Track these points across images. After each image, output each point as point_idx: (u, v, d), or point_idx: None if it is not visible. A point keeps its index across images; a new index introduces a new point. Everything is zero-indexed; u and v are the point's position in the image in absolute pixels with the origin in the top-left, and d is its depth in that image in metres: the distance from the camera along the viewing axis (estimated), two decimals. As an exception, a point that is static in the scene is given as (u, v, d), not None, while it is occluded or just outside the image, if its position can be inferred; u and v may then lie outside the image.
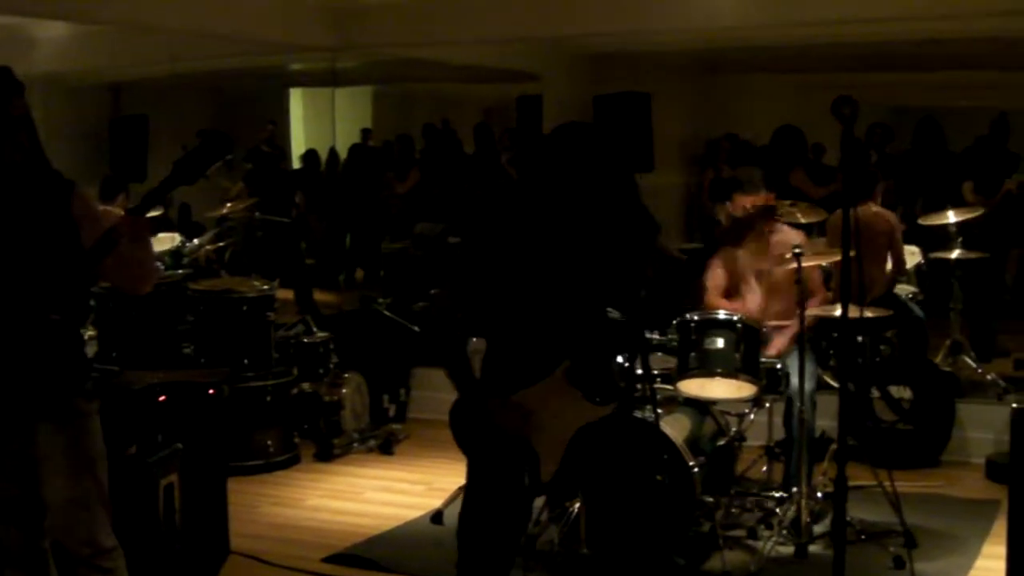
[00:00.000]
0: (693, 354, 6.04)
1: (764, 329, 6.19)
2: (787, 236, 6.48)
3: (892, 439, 7.42)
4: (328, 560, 5.92)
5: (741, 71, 13.35)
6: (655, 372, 6.11)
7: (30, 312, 3.61)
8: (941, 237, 8.73)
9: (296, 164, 14.21)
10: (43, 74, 10.16)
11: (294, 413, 7.99)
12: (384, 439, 8.20)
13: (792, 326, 6.26)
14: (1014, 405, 5.12)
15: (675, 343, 6.17)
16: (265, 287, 7.90)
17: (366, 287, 12.75)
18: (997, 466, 7.24)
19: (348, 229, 13.99)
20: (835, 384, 7.18)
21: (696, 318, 6.07)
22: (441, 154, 13.91)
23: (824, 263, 6.76)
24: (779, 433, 6.43)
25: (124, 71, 12.49)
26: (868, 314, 5.97)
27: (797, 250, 6.00)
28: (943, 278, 9.04)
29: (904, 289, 8.56)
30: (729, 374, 6.02)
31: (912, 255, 8.78)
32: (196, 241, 9.89)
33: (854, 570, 4.74)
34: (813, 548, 5.82)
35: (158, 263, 8.88)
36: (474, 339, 4.20)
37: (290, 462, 7.79)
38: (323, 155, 14.24)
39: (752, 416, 6.37)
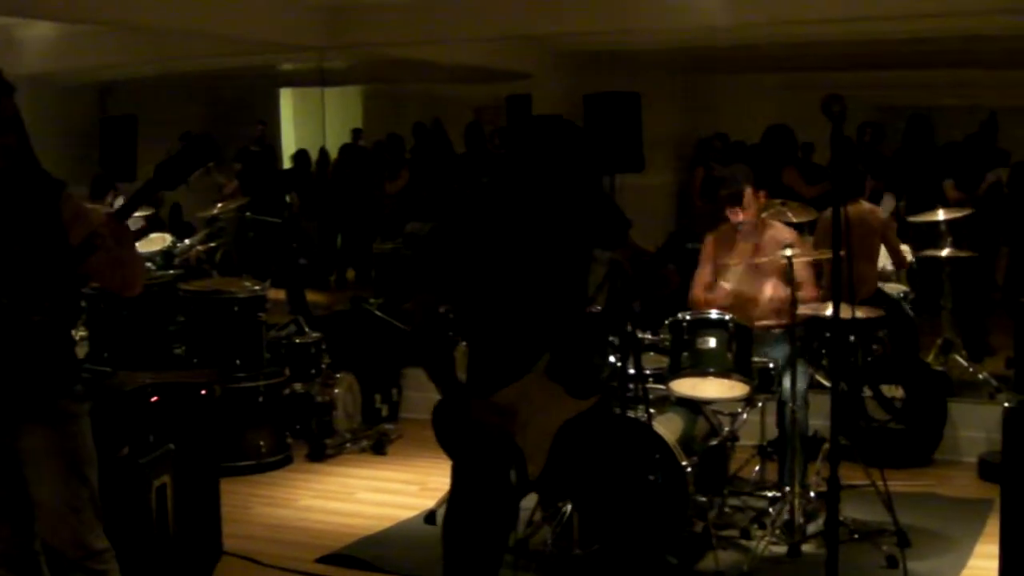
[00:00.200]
0: (685, 354, 6.04)
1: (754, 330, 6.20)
2: (779, 233, 6.49)
3: (884, 438, 7.43)
4: (321, 560, 5.91)
5: (730, 70, 13.34)
6: (647, 372, 6.11)
7: (13, 313, 3.59)
8: (931, 235, 8.73)
9: (287, 164, 14.20)
10: (32, 74, 10.14)
11: (286, 413, 7.98)
12: (376, 439, 8.19)
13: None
14: (1006, 404, 5.14)
15: (667, 343, 6.17)
16: (256, 287, 7.89)
17: (357, 287, 12.73)
18: (989, 465, 7.26)
19: (339, 229, 13.97)
20: (827, 383, 7.19)
21: (688, 318, 6.07)
22: (431, 154, 13.90)
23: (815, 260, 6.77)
24: (771, 433, 6.44)
25: (113, 71, 12.46)
26: (859, 314, 5.96)
27: (788, 248, 6.01)
28: (933, 276, 9.05)
29: (895, 288, 8.57)
30: (721, 374, 6.03)
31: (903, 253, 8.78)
32: (187, 241, 9.86)
33: (847, 569, 4.74)
34: (806, 547, 5.83)
35: (148, 263, 8.86)
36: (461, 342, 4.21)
37: (282, 463, 7.77)
38: (313, 155, 14.24)
39: (745, 416, 6.37)
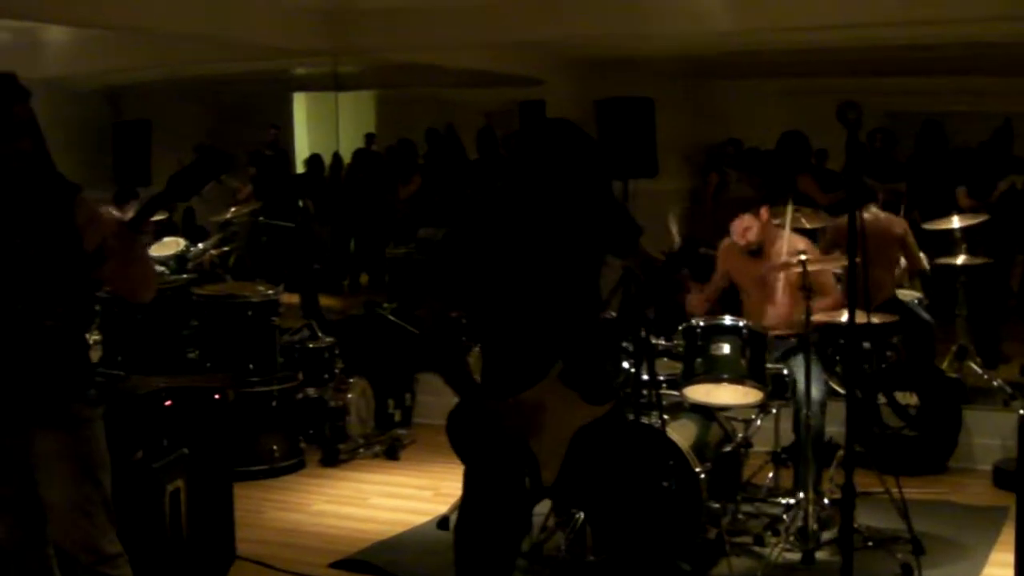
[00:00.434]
0: (699, 360, 6.03)
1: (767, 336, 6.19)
2: (792, 242, 6.47)
3: (898, 445, 7.40)
4: (334, 565, 5.91)
5: (740, 76, 13.36)
6: (661, 378, 6.10)
7: (27, 318, 3.60)
8: (946, 243, 8.72)
9: (300, 169, 14.21)
10: (45, 78, 10.17)
11: (299, 418, 7.99)
12: (389, 444, 8.19)
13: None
14: (1021, 411, 5.11)
15: (681, 348, 6.16)
16: (270, 292, 7.90)
17: (370, 292, 12.74)
18: (1004, 473, 7.23)
19: (352, 234, 13.98)
20: (841, 390, 7.17)
21: (702, 324, 6.06)
22: (444, 159, 13.91)
23: (833, 267, 6.76)
24: (785, 439, 6.42)
25: (126, 75, 12.49)
26: (875, 320, 5.95)
27: (802, 256, 5.99)
28: (948, 284, 9.02)
29: (909, 294, 8.55)
30: (735, 380, 6.02)
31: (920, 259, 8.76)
32: (200, 246, 9.88)
33: (862, 577, 4.73)
34: (820, 555, 5.80)
35: (162, 268, 8.88)
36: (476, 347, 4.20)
37: (295, 467, 7.77)
38: (327, 160, 14.25)
39: (758, 422, 6.36)
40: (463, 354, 3.98)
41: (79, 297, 3.79)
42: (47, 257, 3.61)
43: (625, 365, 5.87)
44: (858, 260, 4.29)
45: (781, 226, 6.58)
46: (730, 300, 6.89)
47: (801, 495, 6.00)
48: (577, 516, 5.64)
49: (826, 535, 5.92)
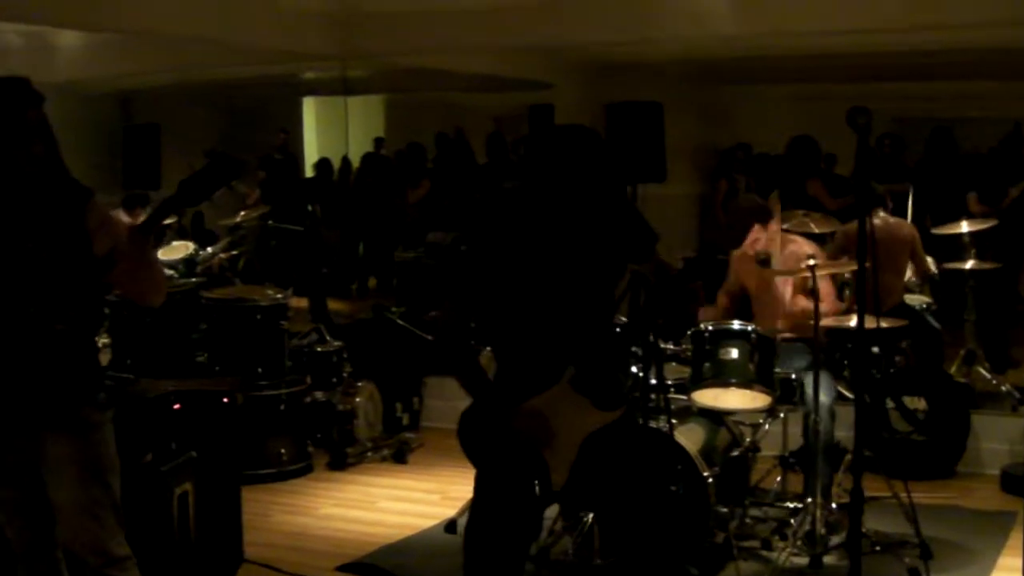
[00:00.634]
0: (707, 364, 6.04)
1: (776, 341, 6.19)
2: (800, 247, 6.47)
3: (907, 450, 7.39)
4: (341, 569, 5.91)
5: (749, 81, 13.35)
6: (669, 382, 6.10)
7: (36, 321, 3.61)
8: (955, 247, 8.70)
9: (309, 173, 14.23)
10: (55, 83, 10.20)
11: (307, 422, 7.99)
12: (397, 448, 8.19)
13: None
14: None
15: (689, 353, 6.16)
16: (278, 296, 7.91)
17: (379, 296, 12.75)
18: (1012, 478, 7.23)
19: (361, 238, 13.99)
20: (850, 395, 7.16)
21: (710, 328, 6.06)
22: (453, 163, 13.91)
23: (840, 273, 6.75)
24: (793, 443, 6.42)
25: (135, 80, 12.52)
26: (884, 324, 5.94)
27: (811, 261, 5.99)
28: (957, 288, 9.01)
29: (918, 299, 8.54)
30: (743, 384, 6.02)
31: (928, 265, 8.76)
32: (209, 249, 9.90)
33: (869, 581, 4.73)
34: (828, 559, 5.79)
35: (171, 271, 8.89)
36: (487, 349, 4.19)
37: (303, 471, 7.78)
38: (336, 164, 14.26)
39: (766, 426, 6.37)
40: (476, 357, 3.98)
41: (89, 301, 3.80)
42: (58, 261, 3.62)
43: (633, 369, 5.87)
44: (868, 265, 4.27)
45: (790, 231, 6.58)
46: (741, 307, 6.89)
47: (809, 499, 5.99)
48: (585, 520, 5.65)
49: (834, 539, 5.92)
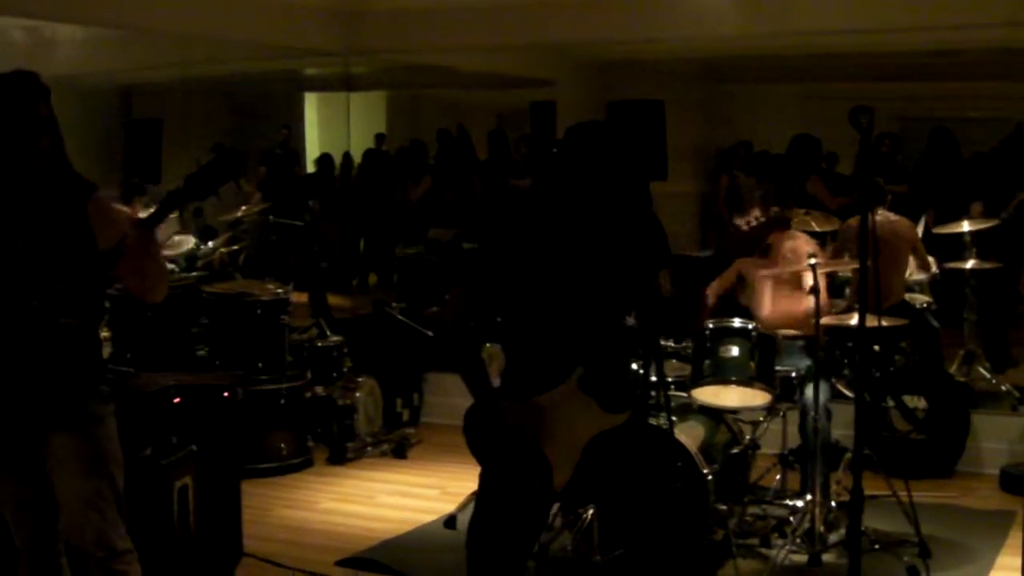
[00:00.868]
0: (708, 362, 6.05)
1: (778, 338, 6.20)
2: (800, 245, 6.48)
3: (906, 449, 7.40)
4: (341, 563, 5.92)
5: (750, 80, 13.35)
6: (669, 379, 6.10)
7: (40, 315, 3.61)
8: (956, 247, 8.71)
9: (310, 168, 14.21)
10: (56, 76, 10.19)
11: (307, 416, 8.00)
12: (397, 443, 8.20)
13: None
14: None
15: (689, 350, 6.17)
16: (279, 290, 7.91)
17: (379, 291, 12.76)
18: (1011, 477, 7.24)
19: (362, 233, 13.99)
20: (850, 394, 7.17)
21: (711, 326, 6.07)
22: (455, 160, 13.92)
23: (840, 270, 6.76)
24: (793, 441, 6.43)
25: (137, 74, 12.51)
26: (884, 323, 5.94)
27: (812, 259, 5.99)
28: (957, 288, 9.02)
29: (918, 299, 8.55)
30: (743, 382, 6.03)
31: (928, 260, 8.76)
32: (210, 244, 9.90)
33: (868, 579, 4.73)
34: (827, 557, 5.80)
35: (172, 265, 8.90)
36: (488, 344, 4.18)
37: (303, 465, 7.79)
38: (338, 160, 14.25)
39: (766, 424, 6.37)
40: (479, 352, 3.96)
41: (93, 294, 3.81)
42: (62, 255, 3.62)
43: (633, 366, 5.87)
44: (869, 264, 4.28)
45: (798, 225, 6.58)
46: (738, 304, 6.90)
47: (808, 497, 6.00)
48: (584, 516, 5.65)
49: (833, 537, 5.93)
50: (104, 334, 7.90)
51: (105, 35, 10.77)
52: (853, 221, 7.39)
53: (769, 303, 6.61)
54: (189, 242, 9.84)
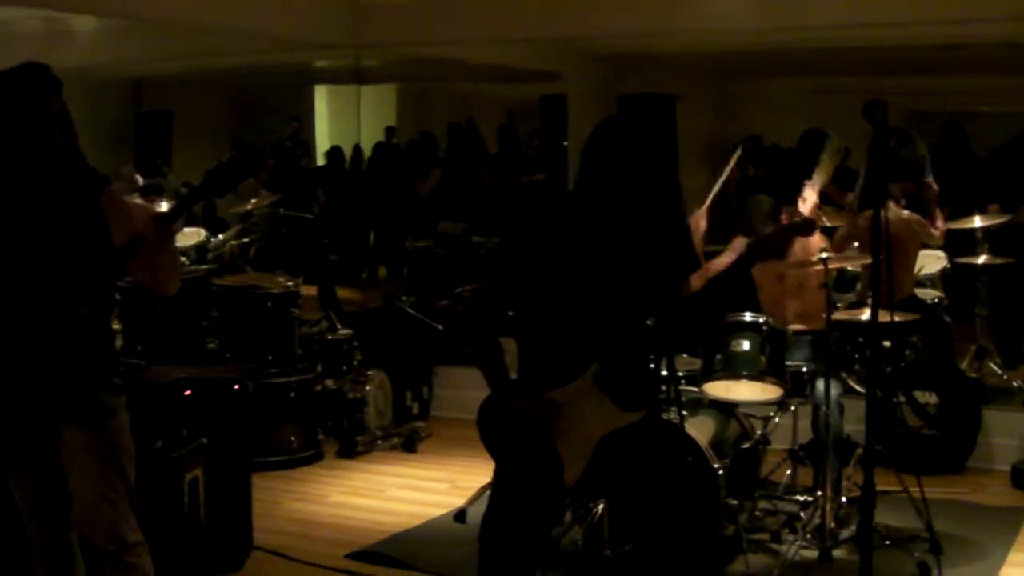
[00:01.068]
0: (719, 356, 6.03)
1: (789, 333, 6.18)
2: (814, 240, 6.46)
3: (917, 444, 7.38)
4: (351, 557, 5.91)
5: (760, 74, 13.33)
6: (680, 374, 6.09)
7: (57, 308, 3.61)
8: (967, 242, 8.69)
9: (320, 161, 14.22)
10: (71, 67, 10.19)
11: (317, 410, 8.00)
12: (407, 437, 8.20)
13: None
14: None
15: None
16: (290, 283, 7.91)
17: (389, 285, 12.76)
18: (1023, 473, 7.21)
19: (372, 226, 14.00)
20: (860, 389, 7.15)
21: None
22: (464, 153, 13.91)
23: (850, 266, 6.74)
24: (804, 436, 6.41)
25: (148, 66, 12.52)
26: (897, 318, 5.93)
27: (824, 254, 5.97)
28: (969, 283, 8.99)
29: (928, 294, 8.53)
30: (754, 376, 6.02)
31: (938, 260, 8.73)
32: (221, 236, 9.90)
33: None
34: (837, 553, 5.79)
35: (183, 258, 8.90)
36: (502, 339, 4.17)
37: (313, 459, 7.79)
38: (347, 152, 14.26)
39: (777, 419, 6.35)
40: (499, 343, 3.94)
41: (106, 287, 3.81)
42: (75, 247, 3.63)
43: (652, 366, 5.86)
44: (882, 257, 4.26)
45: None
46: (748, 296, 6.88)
47: (819, 493, 5.99)
48: (594, 510, 5.64)
49: (843, 533, 5.91)
50: (115, 326, 7.90)
51: (116, 27, 10.77)
52: (862, 219, 7.38)
53: (792, 303, 6.57)
54: (199, 234, 9.83)
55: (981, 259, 8.49)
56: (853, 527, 5.91)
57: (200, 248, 9.53)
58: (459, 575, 5.56)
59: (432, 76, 14.29)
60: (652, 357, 5.17)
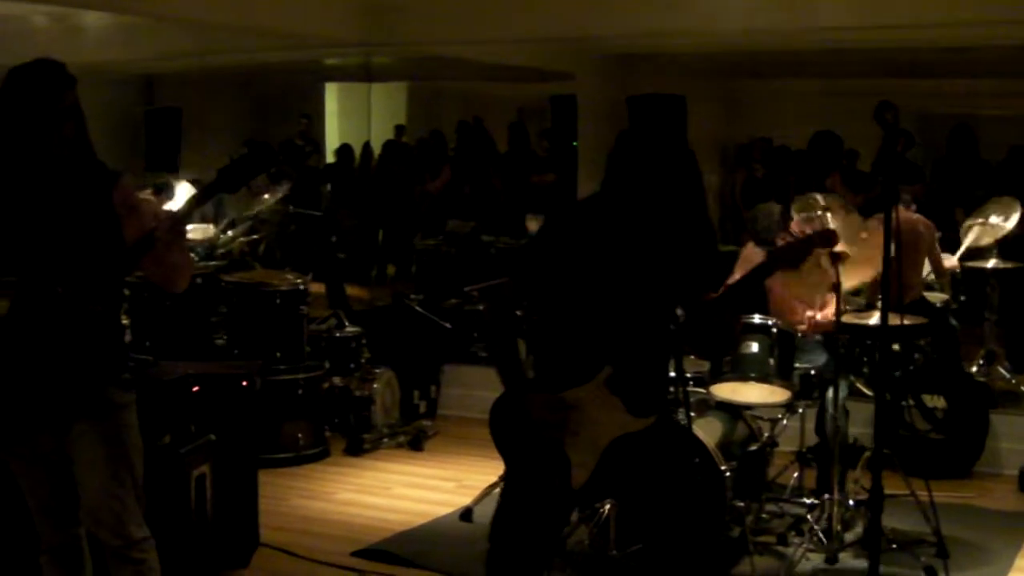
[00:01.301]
0: (727, 358, 6.02)
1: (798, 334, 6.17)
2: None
3: (925, 448, 7.36)
4: (357, 554, 5.91)
5: (771, 75, 13.33)
6: (688, 375, 6.08)
7: (68, 303, 3.62)
8: (976, 246, 8.68)
9: (330, 159, 14.23)
10: (82, 64, 10.20)
11: (325, 407, 8.00)
12: (414, 435, 8.20)
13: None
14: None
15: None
16: (298, 281, 7.91)
17: (397, 283, 12.77)
18: (1030, 478, 7.21)
19: (380, 225, 14.01)
20: (869, 392, 7.14)
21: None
22: (474, 152, 13.94)
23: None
24: (811, 439, 6.41)
25: (158, 63, 12.54)
26: (906, 321, 5.92)
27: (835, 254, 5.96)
28: (978, 287, 8.98)
29: (935, 297, 8.52)
30: (762, 379, 6.01)
31: (947, 263, 8.72)
32: (230, 233, 9.91)
33: (886, 579, 4.71)
34: (844, 556, 5.78)
35: (191, 254, 8.90)
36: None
37: (320, 456, 7.79)
38: (357, 150, 14.27)
39: (784, 421, 6.34)
40: (516, 341, 3.93)
41: (117, 282, 3.82)
42: (86, 242, 3.63)
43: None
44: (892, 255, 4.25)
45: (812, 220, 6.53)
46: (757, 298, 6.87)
47: (826, 496, 5.98)
48: (601, 511, 5.64)
49: (850, 536, 5.91)
50: (123, 322, 7.91)
51: (127, 23, 10.79)
52: (873, 220, 7.37)
53: (802, 306, 6.55)
54: (208, 231, 9.84)
55: (990, 263, 8.47)
56: (859, 530, 5.91)
57: (209, 244, 9.54)
58: (465, 574, 5.56)
59: (443, 75, 14.30)
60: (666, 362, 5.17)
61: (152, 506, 3.99)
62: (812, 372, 6.13)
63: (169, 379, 5.45)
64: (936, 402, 7.47)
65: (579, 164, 11.72)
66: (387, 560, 5.87)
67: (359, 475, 7.51)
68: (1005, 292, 8.97)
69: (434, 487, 7.23)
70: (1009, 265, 8.49)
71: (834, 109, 12.52)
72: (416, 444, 8.12)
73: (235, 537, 5.62)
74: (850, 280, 6.09)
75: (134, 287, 7.73)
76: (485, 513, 6.09)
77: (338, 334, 8.40)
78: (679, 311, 3.85)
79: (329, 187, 13.77)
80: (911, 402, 7.46)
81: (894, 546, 5.73)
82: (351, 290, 11.80)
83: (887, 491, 4.93)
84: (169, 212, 3.81)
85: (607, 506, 5.53)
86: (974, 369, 8.59)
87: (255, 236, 10.27)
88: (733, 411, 6.19)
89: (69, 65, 3.76)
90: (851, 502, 6.06)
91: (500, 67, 12.31)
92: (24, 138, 3.65)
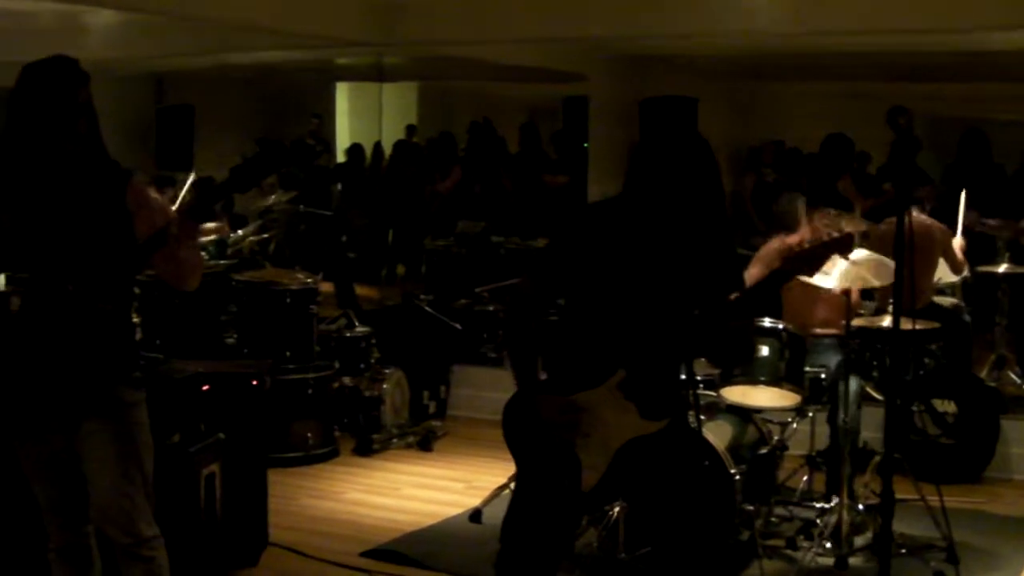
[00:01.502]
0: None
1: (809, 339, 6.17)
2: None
3: (935, 453, 7.34)
4: (366, 555, 5.91)
5: (784, 78, 13.31)
6: (698, 378, 6.07)
7: (79, 301, 3.62)
8: (988, 251, 8.65)
9: (340, 158, 14.24)
10: (92, 61, 10.20)
11: (334, 407, 8.00)
12: (423, 435, 8.19)
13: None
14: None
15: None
16: (309, 280, 7.92)
17: (408, 283, 12.78)
18: (1040, 484, 7.19)
19: (391, 225, 14.02)
20: (878, 396, 7.13)
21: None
22: (484, 152, 13.93)
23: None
24: (821, 443, 6.39)
25: (170, 62, 12.54)
26: (919, 326, 5.90)
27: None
28: (989, 292, 8.96)
29: (947, 301, 8.50)
30: (773, 382, 6.00)
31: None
32: (240, 232, 9.91)
33: (896, 584, 4.70)
34: (853, 560, 5.77)
35: (202, 253, 8.91)
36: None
37: (329, 455, 7.79)
38: (368, 150, 14.27)
39: (795, 425, 6.34)
40: (533, 342, 3.91)
41: (128, 280, 3.83)
42: (98, 240, 3.63)
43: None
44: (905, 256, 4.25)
45: (829, 226, 6.52)
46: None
47: (835, 500, 5.97)
48: (610, 513, 5.63)
49: (859, 541, 5.90)
50: (134, 320, 7.91)
51: (138, 21, 10.78)
52: (884, 226, 7.36)
53: (815, 309, 6.54)
54: (223, 229, 9.84)
55: (1002, 268, 8.45)
56: (869, 535, 5.89)
57: (219, 243, 9.54)
58: (474, 575, 5.56)
59: (454, 75, 14.29)
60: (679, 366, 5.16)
61: (161, 504, 3.99)
62: (823, 376, 6.12)
63: (179, 378, 5.45)
64: (947, 407, 7.45)
65: (589, 166, 11.72)
66: (396, 561, 5.87)
67: (368, 475, 7.51)
68: (1016, 297, 8.95)
69: (443, 488, 7.23)
70: (1020, 270, 8.47)
71: (846, 112, 12.51)
72: (425, 444, 8.12)
73: (244, 536, 5.62)
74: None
75: (145, 285, 7.73)
76: (494, 514, 6.09)
77: (348, 334, 8.40)
78: (696, 314, 3.83)
79: (340, 187, 13.78)
80: (921, 407, 7.44)
81: (904, 551, 5.73)
82: (361, 290, 11.80)
83: (897, 495, 4.92)
84: (182, 209, 3.81)
85: (616, 508, 5.53)
86: (984, 374, 8.56)
87: (265, 235, 10.28)
88: (743, 414, 6.18)
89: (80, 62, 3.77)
90: (861, 506, 6.04)
91: (511, 68, 12.30)
92: (38, 134, 3.65)
